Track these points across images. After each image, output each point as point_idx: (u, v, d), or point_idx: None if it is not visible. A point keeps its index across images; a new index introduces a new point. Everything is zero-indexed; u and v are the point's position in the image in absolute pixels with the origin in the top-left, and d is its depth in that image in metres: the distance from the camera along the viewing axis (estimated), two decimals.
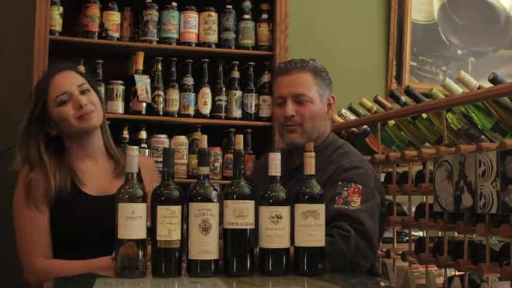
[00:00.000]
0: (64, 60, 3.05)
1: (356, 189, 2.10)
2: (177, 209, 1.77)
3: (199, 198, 1.78)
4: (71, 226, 2.11)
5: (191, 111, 3.25)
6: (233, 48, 3.33)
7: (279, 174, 1.86)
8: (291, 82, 2.27)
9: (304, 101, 2.25)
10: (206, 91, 3.27)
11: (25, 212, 2.11)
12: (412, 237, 2.47)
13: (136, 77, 3.16)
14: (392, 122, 2.72)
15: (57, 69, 2.24)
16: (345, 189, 2.09)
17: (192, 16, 3.28)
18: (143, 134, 3.20)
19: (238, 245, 1.80)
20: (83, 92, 2.19)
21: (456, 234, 2.43)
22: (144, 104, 3.18)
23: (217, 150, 3.28)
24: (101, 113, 2.23)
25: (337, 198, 2.08)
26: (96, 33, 3.14)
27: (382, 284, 1.98)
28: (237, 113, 3.32)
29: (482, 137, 2.25)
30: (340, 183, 2.11)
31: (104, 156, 2.26)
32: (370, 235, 2.03)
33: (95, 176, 2.19)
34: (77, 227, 2.11)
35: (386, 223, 2.48)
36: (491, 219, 1.95)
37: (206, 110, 3.27)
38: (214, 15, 3.31)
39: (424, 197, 2.50)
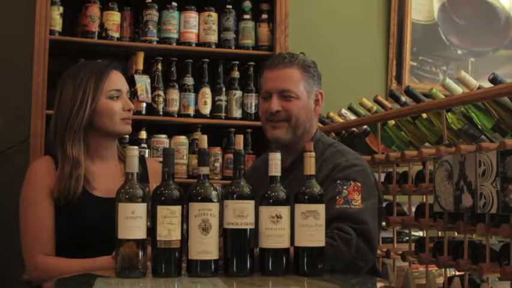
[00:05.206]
0: (64, 60, 3.08)
1: (355, 187, 2.08)
2: (177, 209, 1.77)
3: (199, 198, 1.78)
4: (77, 227, 2.11)
5: (191, 111, 3.25)
6: (233, 48, 3.33)
7: (279, 174, 1.86)
8: (277, 77, 2.22)
9: (290, 97, 2.21)
10: (206, 91, 3.27)
11: (30, 206, 2.11)
12: (412, 237, 2.46)
13: (136, 77, 3.16)
14: (392, 122, 2.72)
15: (114, 66, 2.25)
16: (345, 187, 2.08)
17: (192, 16, 3.28)
18: (143, 134, 3.20)
19: (238, 245, 1.80)
20: (129, 98, 2.24)
21: (456, 234, 2.43)
22: (144, 104, 3.18)
23: (217, 150, 3.28)
24: None
25: (337, 197, 2.07)
26: (96, 33, 3.14)
27: (382, 284, 1.98)
28: (237, 113, 3.31)
29: (482, 137, 2.25)
30: (339, 181, 2.10)
31: (114, 159, 2.27)
32: (372, 236, 2.02)
33: (104, 177, 2.19)
34: (83, 228, 2.11)
35: (387, 223, 2.49)
36: (491, 219, 1.95)
37: (206, 110, 3.27)
38: (214, 15, 3.31)
39: (424, 197, 2.50)
